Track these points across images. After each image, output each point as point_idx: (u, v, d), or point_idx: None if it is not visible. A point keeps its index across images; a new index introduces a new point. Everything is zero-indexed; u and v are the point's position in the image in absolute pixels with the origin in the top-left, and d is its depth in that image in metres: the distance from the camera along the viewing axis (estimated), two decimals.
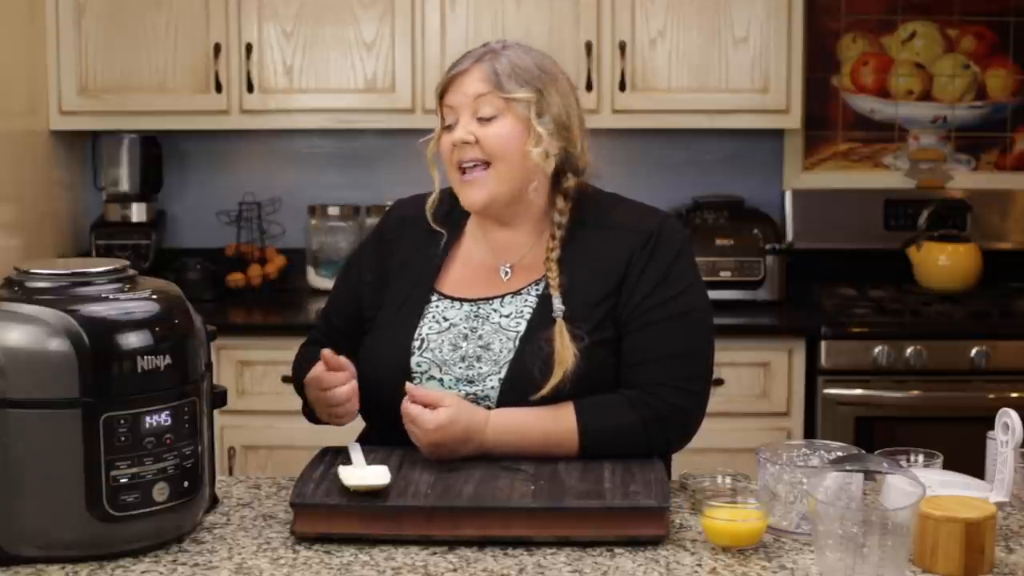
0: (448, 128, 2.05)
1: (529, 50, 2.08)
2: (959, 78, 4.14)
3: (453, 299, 2.08)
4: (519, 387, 1.98)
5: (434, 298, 2.09)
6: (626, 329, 2.01)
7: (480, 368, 2.02)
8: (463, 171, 2.04)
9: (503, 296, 2.07)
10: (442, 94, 2.06)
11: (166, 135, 4.05)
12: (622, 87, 3.78)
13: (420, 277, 2.11)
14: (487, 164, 2.02)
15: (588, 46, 3.76)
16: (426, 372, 2.03)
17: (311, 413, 2.13)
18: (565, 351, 1.97)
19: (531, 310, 2.04)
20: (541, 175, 2.06)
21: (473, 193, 2.04)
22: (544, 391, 1.96)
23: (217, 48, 3.78)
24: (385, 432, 2.02)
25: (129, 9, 3.79)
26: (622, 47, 3.78)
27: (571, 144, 2.06)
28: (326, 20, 3.80)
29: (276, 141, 4.15)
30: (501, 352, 2.02)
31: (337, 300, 2.22)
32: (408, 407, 1.93)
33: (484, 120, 2.02)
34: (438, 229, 2.14)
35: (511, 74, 2.02)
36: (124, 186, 4.03)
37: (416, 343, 2.05)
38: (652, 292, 2.02)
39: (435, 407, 1.91)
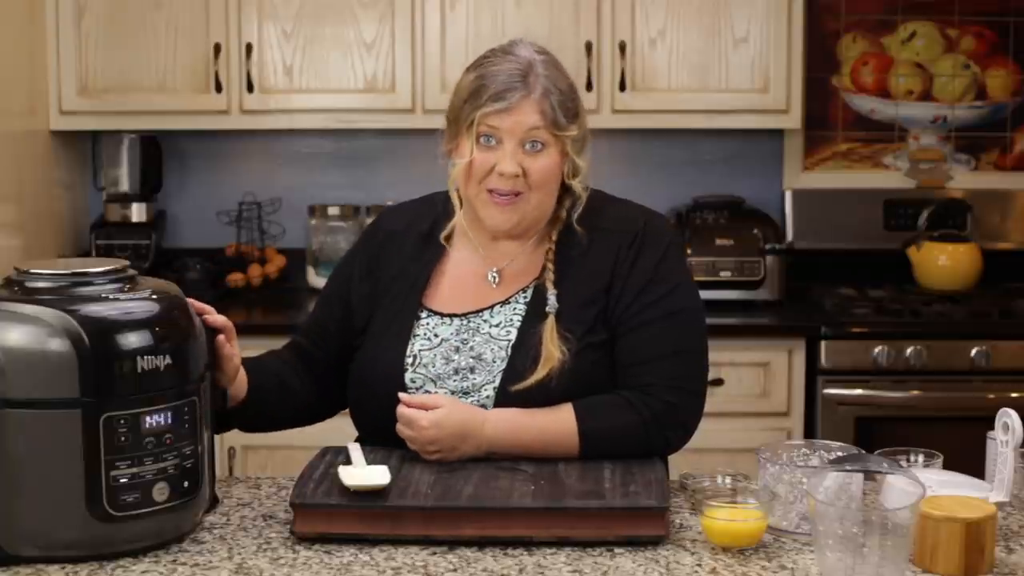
0: (482, 142, 2.00)
1: (554, 63, 2.04)
2: (959, 78, 4.14)
3: (442, 315, 2.07)
4: (513, 395, 1.98)
5: (423, 315, 2.08)
6: (619, 331, 2.01)
7: (474, 379, 2.01)
8: (490, 192, 2.02)
9: (492, 307, 2.07)
10: (484, 115, 1.98)
11: (166, 135, 4.05)
12: (622, 87, 3.78)
13: (409, 293, 2.09)
14: (519, 192, 2.01)
15: (588, 46, 3.76)
16: (421, 387, 2.03)
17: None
18: (552, 347, 1.97)
19: (520, 317, 2.04)
20: None
21: (505, 217, 2.02)
22: (526, 383, 1.96)
23: (217, 48, 3.78)
24: (380, 442, 2.01)
25: (129, 9, 3.79)
26: (622, 47, 3.78)
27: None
28: (326, 20, 3.80)
29: (276, 141, 4.15)
30: (494, 361, 2.01)
31: (326, 306, 2.19)
32: (403, 410, 1.94)
33: (531, 149, 1.99)
34: (437, 237, 2.12)
35: (562, 107, 1.99)
36: (124, 186, 4.02)
37: (408, 360, 2.04)
38: (641, 292, 2.02)
39: (429, 408, 1.93)
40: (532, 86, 1.98)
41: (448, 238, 2.12)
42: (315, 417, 2.19)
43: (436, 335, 2.06)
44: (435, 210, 2.15)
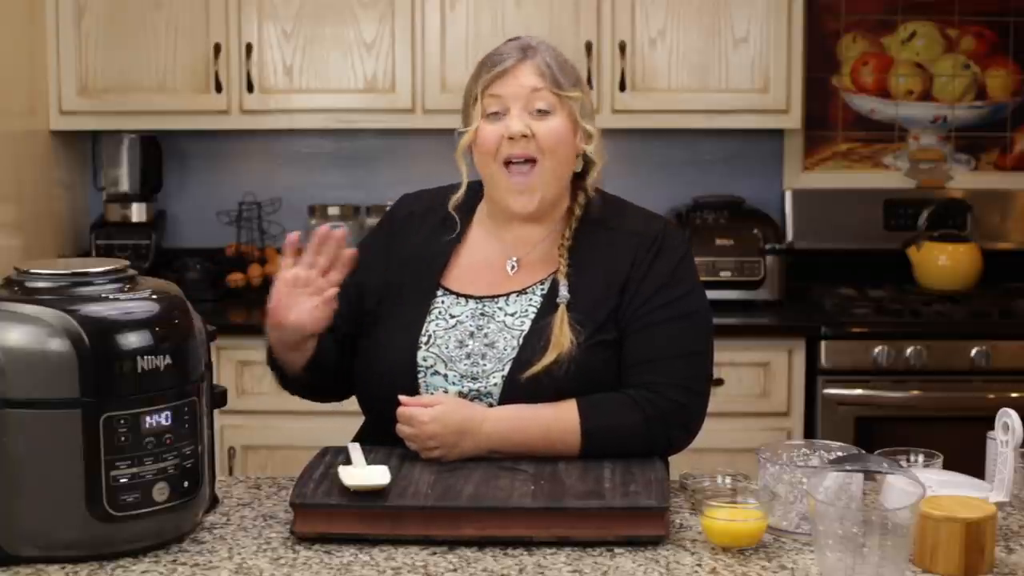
0: (491, 117, 2.04)
1: (556, 49, 2.10)
2: (959, 78, 4.14)
3: (459, 295, 2.09)
4: (520, 383, 1.99)
5: (440, 293, 2.10)
6: (629, 330, 2.02)
7: (484, 366, 2.02)
8: (508, 165, 2.03)
9: (508, 295, 2.08)
10: (486, 84, 2.04)
11: (166, 135, 4.05)
12: (622, 87, 3.78)
13: (426, 272, 2.11)
14: (533, 161, 2.03)
15: (588, 46, 3.76)
16: (431, 367, 2.03)
17: (282, 375, 2.15)
18: (563, 336, 1.98)
19: (535, 309, 2.05)
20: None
21: (526, 198, 2.04)
22: (533, 370, 1.97)
23: (217, 48, 3.78)
24: (384, 425, 2.02)
25: (129, 9, 3.79)
26: (622, 47, 3.78)
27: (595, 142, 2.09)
28: (326, 20, 3.80)
29: (276, 141, 4.15)
30: (505, 350, 2.02)
31: (341, 291, 2.20)
32: (403, 409, 1.94)
33: (538, 114, 2.03)
34: (454, 216, 2.14)
35: (562, 71, 2.04)
36: (124, 186, 4.03)
37: (423, 338, 2.05)
38: (656, 294, 2.03)
39: (429, 406, 1.93)
40: (530, 55, 2.05)
41: (473, 212, 2.14)
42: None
43: (452, 315, 2.07)
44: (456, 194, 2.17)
